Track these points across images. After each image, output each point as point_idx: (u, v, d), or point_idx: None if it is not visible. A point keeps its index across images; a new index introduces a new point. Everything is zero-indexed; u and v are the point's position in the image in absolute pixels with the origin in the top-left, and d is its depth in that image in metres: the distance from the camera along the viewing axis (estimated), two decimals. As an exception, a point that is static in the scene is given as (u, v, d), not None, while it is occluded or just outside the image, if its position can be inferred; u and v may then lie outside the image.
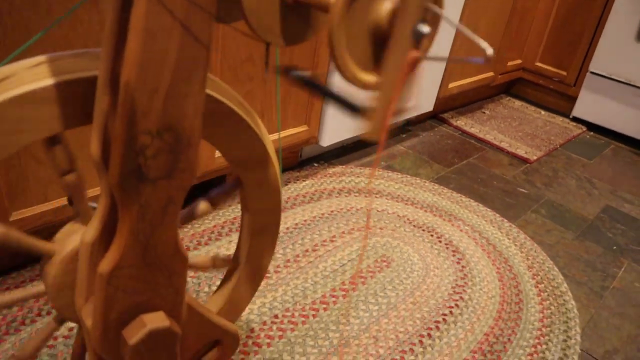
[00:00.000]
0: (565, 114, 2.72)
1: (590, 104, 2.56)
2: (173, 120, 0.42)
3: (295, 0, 0.39)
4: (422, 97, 2.05)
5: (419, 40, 0.32)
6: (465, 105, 2.60)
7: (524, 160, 2.14)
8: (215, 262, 0.70)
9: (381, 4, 0.34)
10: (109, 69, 0.42)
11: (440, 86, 2.14)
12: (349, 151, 1.96)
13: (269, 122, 1.48)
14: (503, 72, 2.59)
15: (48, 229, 1.17)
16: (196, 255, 0.70)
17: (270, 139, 0.69)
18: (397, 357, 1.12)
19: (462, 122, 2.37)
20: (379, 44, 0.36)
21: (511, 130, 2.41)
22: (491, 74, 2.47)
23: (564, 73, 2.63)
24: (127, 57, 0.38)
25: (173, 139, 0.42)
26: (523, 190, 1.93)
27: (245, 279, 0.71)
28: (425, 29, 0.31)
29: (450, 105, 2.47)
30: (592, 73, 2.51)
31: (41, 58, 0.46)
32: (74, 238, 0.56)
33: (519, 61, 2.69)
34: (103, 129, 0.45)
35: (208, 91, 0.52)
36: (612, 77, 2.45)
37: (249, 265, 0.69)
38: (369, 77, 0.38)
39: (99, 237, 0.49)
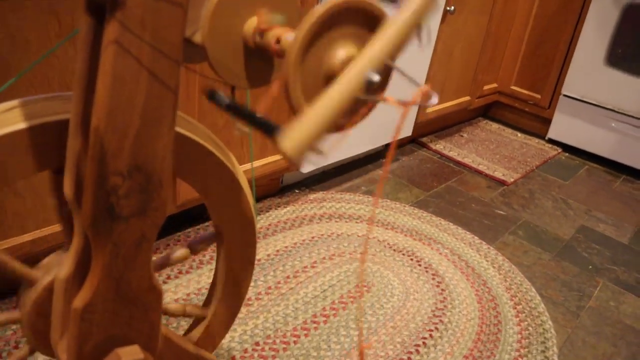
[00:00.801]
0: (541, 135, 2.78)
1: (565, 126, 2.63)
2: (143, 161, 0.43)
3: (257, 45, 0.41)
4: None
5: (370, 87, 0.34)
6: (444, 129, 2.65)
7: (502, 183, 2.18)
8: (187, 312, 0.71)
9: (335, 52, 0.37)
10: (79, 112, 0.44)
11: (419, 111, 2.18)
12: (330, 177, 1.99)
13: (247, 151, 1.50)
14: (480, 96, 2.65)
15: (26, 260, 1.17)
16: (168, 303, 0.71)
17: (243, 171, 0.71)
18: (378, 382, 1.13)
19: (441, 146, 2.42)
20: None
21: (489, 153, 2.46)
22: (468, 98, 2.52)
23: (538, 96, 2.70)
24: (96, 102, 0.40)
25: (144, 179, 0.44)
26: (501, 212, 1.96)
27: (224, 306, 0.72)
28: (375, 77, 0.34)
29: (429, 129, 2.51)
30: (565, 96, 2.58)
31: (14, 102, 0.48)
32: (53, 272, 0.58)
33: (494, 85, 2.76)
34: (75, 170, 0.46)
35: (178, 129, 0.54)
36: (584, 99, 2.52)
37: (228, 291, 0.71)
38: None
39: (73, 273, 0.50)
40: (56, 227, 1.13)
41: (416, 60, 2.01)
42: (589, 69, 2.47)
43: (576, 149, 2.67)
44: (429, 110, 2.25)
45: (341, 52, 0.37)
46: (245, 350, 1.15)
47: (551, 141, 2.73)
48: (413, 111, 2.13)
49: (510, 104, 2.81)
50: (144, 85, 0.40)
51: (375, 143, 2.04)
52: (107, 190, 0.43)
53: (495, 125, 2.84)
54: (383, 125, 2.01)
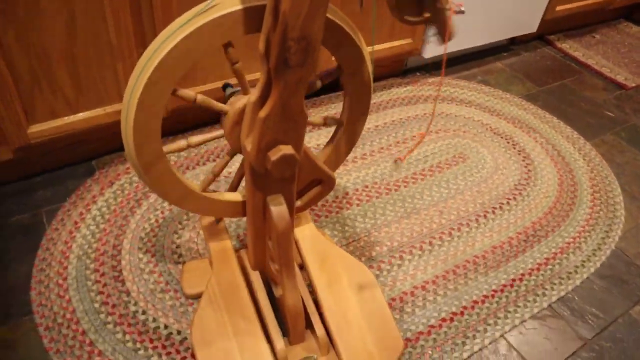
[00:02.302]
0: (685, 43, 2.68)
1: None
2: (307, 33, 0.74)
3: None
4: (527, 17, 2.19)
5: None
6: (577, 28, 2.65)
7: (620, 86, 2.24)
8: (326, 121, 1.05)
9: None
10: (273, 1, 0.75)
11: (547, 8, 2.25)
12: (450, 64, 2.19)
13: (376, 34, 1.76)
14: (623, -4, 2.59)
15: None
16: (313, 116, 1.04)
17: (367, 49, 0.99)
18: (455, 227, 1.44)
19: (567, 45, 2.47)
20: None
21: (618, 56, 2.47)
22: (607, -3, 2.49)
23: (691, 0, 2.57)
24: (285, -3, 0.70)
25: (306, 44, 0.75)
26: (610, 113, 2.07)
27: (344, 140, 1.05)
28: None
29: (560, 26, 2.55)
30: None
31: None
32: (239, 103, 0.93)
33: (643, -15, 2.65)
34: (267, 36, 0.79)
35: (328, 15, 0.83)
36: None
37: (348, 128, 1.04)
38: (410, 18, 0.68)
39: (259, 98, 0.84)
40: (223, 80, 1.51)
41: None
42: None
43: None
44: (559, 8, 2.29)
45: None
46: (357, 190, 1.51)
47: (694, 50, 2.63)
48: (540, 7, 2.21)
49: (657, 6, 2.70)
50: (310, -13, 0.70)
51: (499, 36, 2.17)
52: (285, 49, 0.75)
53: (636, 29, 2.76)
54: (509, 19, 2.13)
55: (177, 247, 1.28)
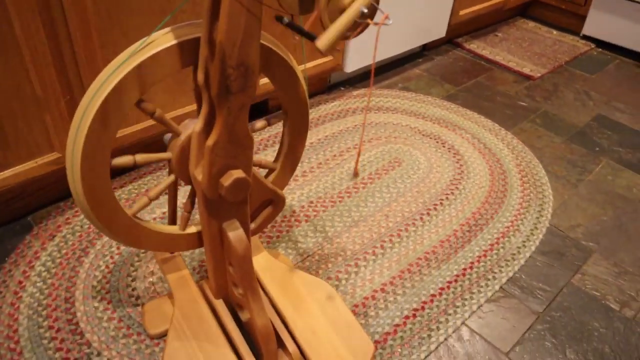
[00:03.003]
0: (576, 32, 2.92)
1: (599, 22, 2.76)
2: (244, 59, 0.76)
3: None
4: (434, 24, 2.33)
5: (363, 15, 0.65)
6: (481, 29, 2.84)
7: (528, 77, 2.41)
8: (269, 121, 1.06)
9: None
10: (207, 32, 0.77)
11: (452, 13, 2.39)
12: (369, 76, 2.28)
13: (301, 55, 1.82)
14: (516, -4, 2.80)
15: (141, 144, 1.57)
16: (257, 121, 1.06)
17: (299, 68, 1.03)
18: (403, 228, 1.50)
19: (475, 45, 2.64)
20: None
21: (520, 50, 2.66)
22: (503, -2, 2.69)
23: (575, -7, 2.82)
24: (219, 27, 0.72)
25: (244, 69, 0.78)
26: (523, 103, 2.22)
27: (288, 158, 1.08)
28: (365, 10, 0.65)
29: (465, 29, 2.72)
30: (600, -8, 2.70)
31: (168, 28, 0.82)
32: (178, 143, 0.94)
33: (532, -16, 2.88)
34: (205, 67, 0.80)
35: (261, 41, 0.86)
36: (618, -5, 2.63)
37: (291, 145, 1.06)
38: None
39: (203, 128, 0.86)
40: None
41: (450, -34, 2.19)
42: (623, -35, 2.57)
43: (609, 45, 2.81)
44: (462, 12, 2.45)
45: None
46: (303, 207, 1.54)
47: (585, 37, 2.87)
48: (445, 13, 2.35)
49: (547, 1, 2.93)
50: (244, 16, 0.72)
51: (412, 44, 2.29)
52: (225, 76, 0.77)
53: (532, 24, 2.99)
54: (419, 27, 2.25)
55: (133, 289, 1.26)
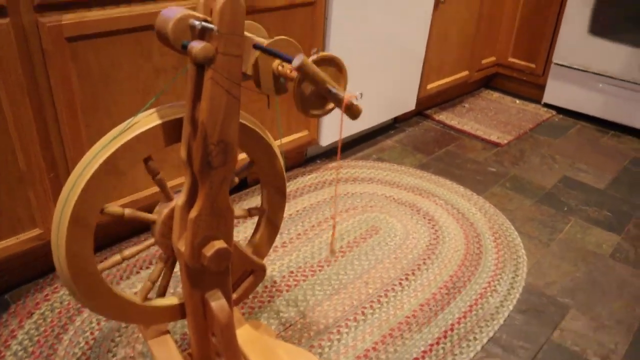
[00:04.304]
0: (538, 101, 3.10)
1: (557, 91, 2.94)
2: (224, 137, 0.82)
3: (279, 73, 0.80)
4: (404, 97, 2.46)
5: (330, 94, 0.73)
6: (449, 101, 2.99)
7: (496, 145, 2.53)
8: (250, 212, 1.11)
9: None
10: (190, 112, 0.83)
11: (420, 87, 2.54)
12: (346, 148, 2.38)
13: (278, 130, 1.90)
14: (479, 69, 2.98)
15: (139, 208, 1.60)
16: (236, 209, 1.10)
17: (276, 143, 1.10)
18: (382, 294, 1.53)
19: (444, 116, 2.77)
20: (315, 96, 0.78)
21: (487, 119, 2.80)
22: (467, 72, 2.86)
23: (533, 65, 3.02)
24: (201, 108, 0.79)
25: (224, 146, 0.84)
26: (492, 169, 2.32)
27: (267, 229, 1.12)
28: (333, 90, 0.72)
29: (434, 101, 2.87)
30: (556, 64, 2.89)
31: (153, 109, 0.89)
32: (165, 209, 0.98)
33: (493, 58, 3.08)
34: (187, 144, 0.86)
35: (240, 120, 0.93)
36: (573, 66, 2.83)
37: (269, 217, 1.11)
38: (315, 112, 0.80)
39: (186, 201, 0.91)
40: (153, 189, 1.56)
41: (413, 43, 2.36)
42: (575, 39, 2.78)
43: (569, 111, 2.99)
44: (429, 86, 2.60)
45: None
46: (284, 277, 1.57)
47: (546, 105, 3.05)
48: (414, 88, 2.49)
49: (508, 74, 3.13)
50: (224, 98, 0.79)
51: (383, 117, 2.41)
52: (207, 153, 0.82)
53: (496, 94, 3.16)
54: (390, 101, 2.37)
55: (115, 367, 1.25)
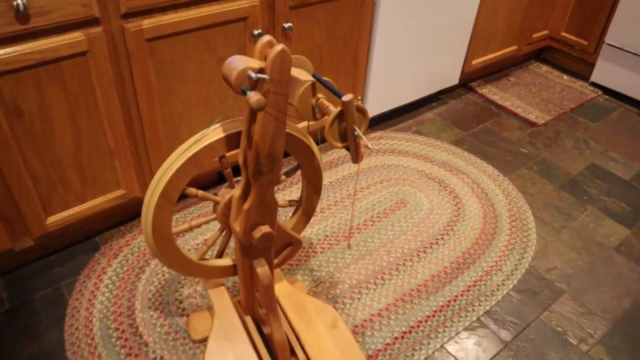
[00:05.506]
0: (586, 78, 3.15)
1: (607, 71, 2.99)
2: (272, 151, 1.08)
3: (317, 105, 1.03)
4: (448, 72, 2.61)
5: (355, 134, 0.96)
6: (494, 73, 3.10)
7: (532, 124, 2.67)
8: (290, 203, 1.39)
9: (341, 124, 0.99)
10: (247, 129, 1.09)
11: (464, 63, 2.67)
12: (387, 119, 2.58)
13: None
14: (529, 43, 3.05)
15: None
16: (280, 200, 1.38)
17: (316, 146, 1.35)
18: (401, 263, 1.79)
19: (487, 90, 2.90)
20: (342, 133, 1.02)
21: (529, 96, 2.91)
22: (515, 47, 2.94)
23: (585, 42, 3.05)
24: (255, 130, 1.04)
25: (272, 158, 1.09)
26: (524, 150, 2.48)
27: (303, 214, 1.40)
28: (356, 132, 0.95)
29: (479, 73, 2.98)
30: (608, 44, 2.93)
31: (218, 124, 1.15)
32: (227, 195, 1.26)
33: (546, 32, 3.12)
34: (244, 153, 1.13)
35: (287, 130, 1.18)
36: (625, 48, 2.86)
37: (307, 202, 1.38)
38: (338, 144, 1.05)
39: (242, 194, 1.18)
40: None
41: (462, 18, 2.47)
42: (630, 21, 2.80)
43: (616, 93, 3.04)
44: (474, 62, 2.72)
45: (342, 124, 0.99)
46: (319, 240, 1.85)
47: (594, 84, 3.10)
48: (459, 63, 2.63)
49: (560, 48, 3.18)
50: (273, 124, 1.03)
51: (426, 91, 2.58)
52: (258, 162, 1.08)
53: (545, 68, 3.23)
54: (434, 75, 2.53)
55: (180, 302, 1.59)
